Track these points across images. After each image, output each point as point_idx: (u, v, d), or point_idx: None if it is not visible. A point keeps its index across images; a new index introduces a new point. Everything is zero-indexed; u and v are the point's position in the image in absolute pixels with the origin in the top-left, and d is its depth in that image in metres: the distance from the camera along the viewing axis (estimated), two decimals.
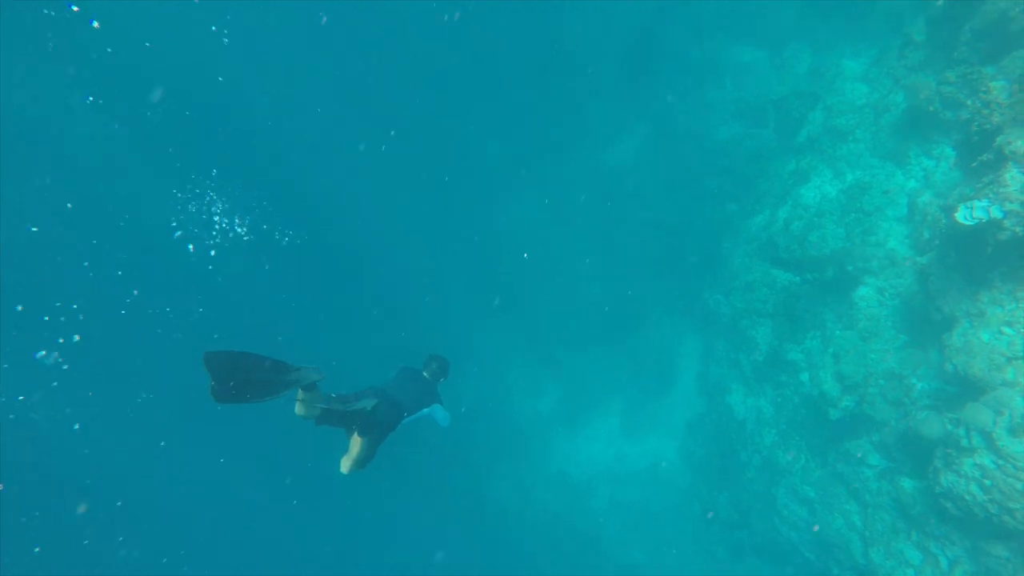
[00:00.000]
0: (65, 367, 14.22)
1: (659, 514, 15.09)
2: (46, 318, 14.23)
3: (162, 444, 16.17)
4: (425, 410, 5.07)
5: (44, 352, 14.06)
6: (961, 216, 7.18)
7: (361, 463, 4.45)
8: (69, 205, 14.32)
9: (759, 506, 12.03)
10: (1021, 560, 7.00)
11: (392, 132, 18.34)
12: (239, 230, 14.94)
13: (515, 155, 18.30)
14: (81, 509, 15.71)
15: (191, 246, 15.18)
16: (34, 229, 14.07)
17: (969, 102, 8.04)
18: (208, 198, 14.28)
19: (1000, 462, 6.95)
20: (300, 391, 4.08)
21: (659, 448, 15.68)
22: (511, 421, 17.24)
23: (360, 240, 18.91)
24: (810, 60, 14.24)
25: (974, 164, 7.76)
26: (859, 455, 9.67)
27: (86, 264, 14.89)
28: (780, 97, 13.33)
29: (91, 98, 14.31)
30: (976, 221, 7.11)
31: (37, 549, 15.31)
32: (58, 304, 14.22)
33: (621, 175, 16.84)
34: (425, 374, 5.47)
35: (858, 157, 11.23)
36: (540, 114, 17.80)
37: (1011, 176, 6.97)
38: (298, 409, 4.20)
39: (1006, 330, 7.30)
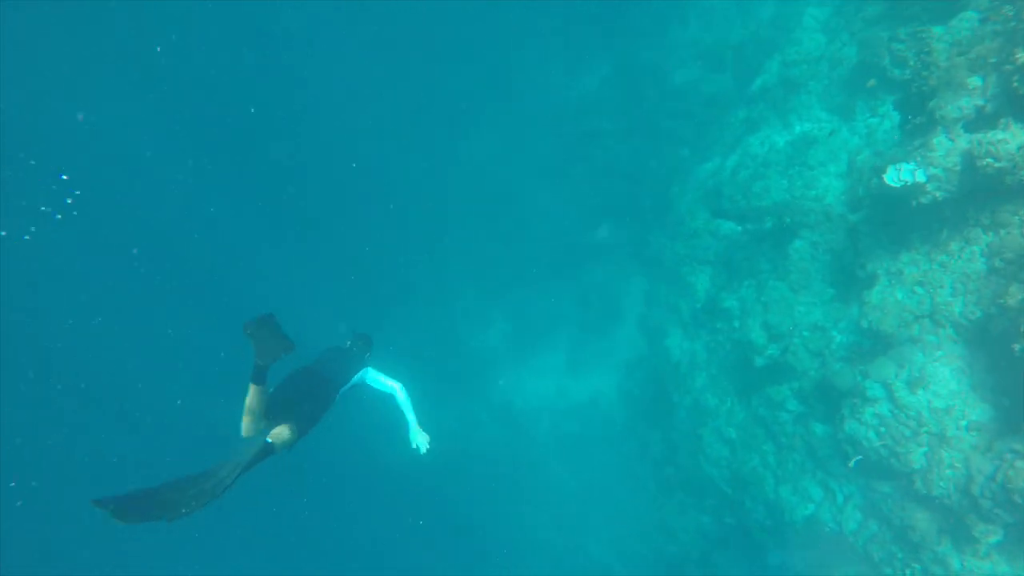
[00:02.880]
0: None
1: (596, 448, 15.77)
2: None
3: None
4: (355, 378, 5.10)
5: None
6: (889, 177, 7.35)
7: (293, 444, 4.28)
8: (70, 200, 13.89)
9: (687, 445, 12.67)
10: (899, 496, 7.64)
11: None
12: None
13: (472, 90, 17.82)
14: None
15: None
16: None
17: (912, 62, 8.07)
18: None
19: (895, 411, 7.45)
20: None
21: (600, 385, 16.21)
22: (458, 352, 17.50)
23: (314, 171, 18.63)
24: (775, 5, 13.98)
25: (909, 126, 7.89)
26: (779, 400, 10.20)
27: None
28: (739, 42, 13.17)
29: None
30: (902, 183, 7.29)
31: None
32: None
33: (579, 114, 16.59)
34: (350, 350, 5.42)
35: (808, 109, 11.27)
36: (500, 49, 17.25)
37: (938, 141, 7.12)
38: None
39: (918, 289, 7.65)
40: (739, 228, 11.44)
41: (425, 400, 6.03)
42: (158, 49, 14.93)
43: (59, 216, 13.74)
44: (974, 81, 7.21)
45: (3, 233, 13.47)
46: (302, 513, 18.82)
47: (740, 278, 11.27)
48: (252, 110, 16.68)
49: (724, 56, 14.01)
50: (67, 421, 15.82)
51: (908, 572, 7.54)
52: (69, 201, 13.72)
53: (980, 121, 6.98)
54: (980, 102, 6.97)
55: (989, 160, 6.51)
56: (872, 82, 9.97)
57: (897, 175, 7.28)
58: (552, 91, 17.56)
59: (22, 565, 15.54)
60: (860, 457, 7.91)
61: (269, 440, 3.96)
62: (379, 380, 5.36)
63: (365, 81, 18.42)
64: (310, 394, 4.49)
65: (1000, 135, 6.48)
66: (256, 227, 18.12)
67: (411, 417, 5.36)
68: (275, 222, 18.50)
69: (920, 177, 7.11)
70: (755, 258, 11.01)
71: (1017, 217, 6.85)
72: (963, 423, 7.00)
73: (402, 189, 18.82)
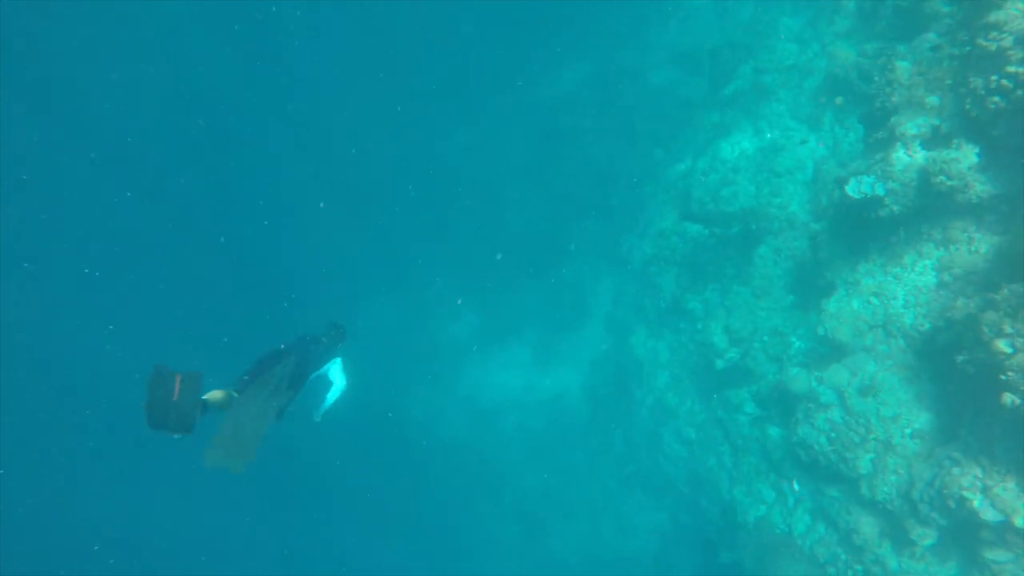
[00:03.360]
0: None
1: (560, 444, 15.88)
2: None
3: None
4: (324, 368, 5.24)
5: None
6: (851, 189, 7.52)
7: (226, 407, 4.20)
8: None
9: (647, 443, 12.86)
10: (846, 499, 7.86)
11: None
12: None
13: (450, 84, 17.75)
14: None
15: None
16: None
17: (877, 78, 8.26)
18: None
19: (847, 418, 7.65)
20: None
21: (566, 381, 16.32)
22: (426, 343, 17.45)
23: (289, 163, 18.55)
24: (751, 11, 14.12)
25: (871, 140, 8.08)
26: (737, 403, 10.40)
27: None
28: (716, 46, 13.29)
29: None
30: (863, 195, 7.47)
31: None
32: None
33: (556, 111, 16.62)
34: (323, 339, 5.49)
35: (779, 117, 11.47)
36: (479, 44, 17.18)
37: (897, 156, 7.30)
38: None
39: (873, 300, 7.85)
40: (706, 231, 11.60)
41: (392, 388, 6.20)
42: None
43: None
44: (932, 100, 7.41)
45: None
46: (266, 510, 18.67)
47: (705, 281, 11.45)
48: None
49: (701, 59, 14.15)
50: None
51: (850, 573, 7.76)
52: None
53: (936, 140, 7.17)
54: (936, 121, 7.17)
55: (942, 178, 6.71)
56: (840, 100, 10.19)
57: (858, 187, 7.45)
58: (530, 88, 17.54)
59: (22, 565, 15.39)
60: (798, 486, 8.23)
61: (204, 398, 3.93)
62: (338, 372, 5.44)
63: (343, 74, 18.34)
64: (282, 375, 4.50)
65: (953, 154, 6.68)
66: (234, 217, 17.89)
67: (330, 403, 5.45)
68: (250, 213, 18.28)
69: (879, 190, 7.29)
70: (720, 262, 11.19)
71: (966, 234, 7.08)
72: (908, 431, 7.23)
73: (377, 181, 18.70)
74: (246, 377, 4.31)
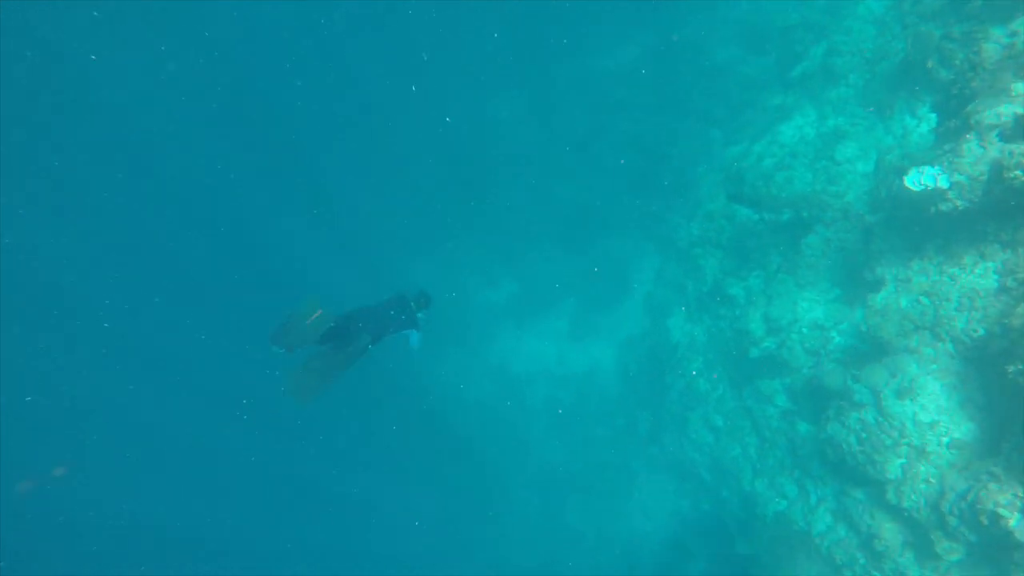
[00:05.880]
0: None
1: (586, 418, 15.83)
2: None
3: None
4: (404, 332, 6.53)
5: None
6: (909, 180, 7.05)
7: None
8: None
9: (673, 426, 12.67)
10: (871, 503, 7.55)
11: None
12: None
13: (506, 52, 17.44)
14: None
15: None
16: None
17: (958, 62, 7.66)
18: None
19: (880, 419, 7.31)
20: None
21: (599, 357, 16.18)
22: (462, 307, 17.54)
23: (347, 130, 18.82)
24: None
25: (942, 129, 7.54)
26: (769, 394, 10.09)
27: None
28: (788, 25, 12.62)
29: None
30: (923, 187, 7.00)
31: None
32: None
33: (613, 83, 16.14)
34: (412, 304, 6.68)
35: (845, 103, 10.83)
36: (538, 11, 16.74)
37: (968, 147, 6.79)
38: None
39: (923, 299, 7.41)
40: (756, 216, 11.15)
41: (424, 350, 6.88)
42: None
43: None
44: (1019, 87, 6.84)
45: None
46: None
47: (749, 267, 11.06)
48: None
49: (770, 37, 13.45)
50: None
51: None
52: None
53: (1018, 130, 6.61)
54: (1021, 110, 6.60)
55: (1018, 172, 6.19)
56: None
57: (919, 178, 6.98)
58: (590, 58, 17.07)
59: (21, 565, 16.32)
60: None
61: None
62: (419, 340, 6.74)
63: (394, 38, 18.27)
64: (365, 330, 5.97)
65: None
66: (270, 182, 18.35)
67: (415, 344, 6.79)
68: (296, 181, 18.71)
69: (943, 183, 6.81)
70: (767, 248, 10.77)
71: None
72: (945, 439, 6.85)
73: (426, 145, 18.69)
74: (343, 318, 5.84)
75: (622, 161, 15.70)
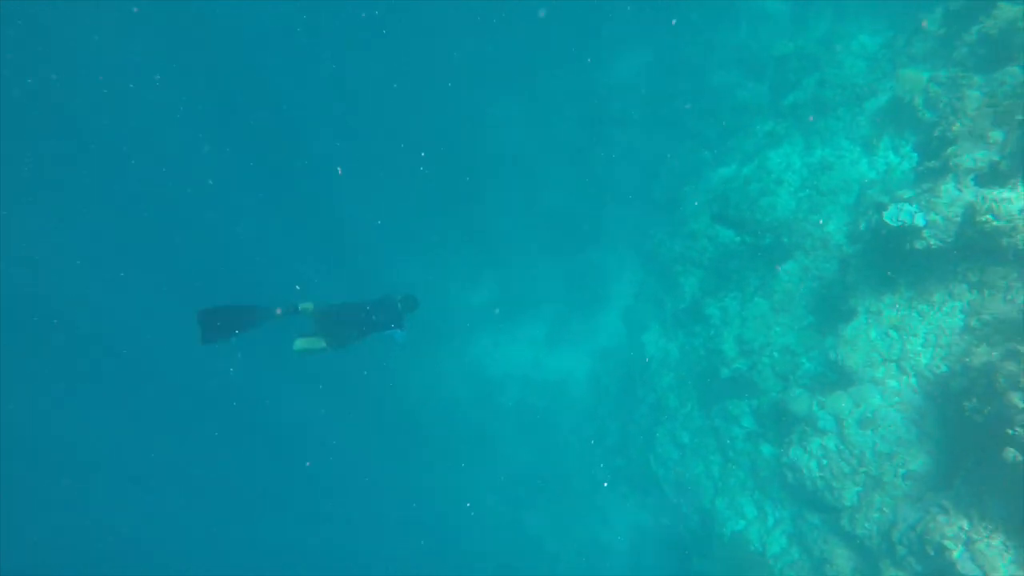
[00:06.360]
0: None
1: (556, 425, 15.88)
2: None
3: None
4: (387, 331, 6.73)
5: None
6: (888, 215, 7.22)
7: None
8: None
9: (641, 440, 12.76)
10: (826, 528, 7.69)
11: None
12: None
13: (504, 59, 17.54)
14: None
15: None
16: None
17: (941, 105, 7.88)
18: None
19: (841, 447, 7.46)
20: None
21: (574, 365, 16.26)
22: (441, 305, 17.52)
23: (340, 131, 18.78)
24: (829, 25, 13.60)
25: (922, 168, 7.74)
26: (736, 414, 10.22)
27: None
28: (783, 55, 12.81)
29: None
30: (900, 223, 7.17)
31: None
32: None
33: (610, 97, 16.30)
34: (399, 305, 6.89)
35: (832, 135, 11.05)
36: (538, 21, 16.82)
37: (946, 188, 6.98)
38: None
39: (892, 333, 7.59)
40: (737, 238, 11.32)
41: (408, 347, 7.10)
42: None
43: None
44: (996, 135, 7.05)
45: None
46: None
47: (727, 288, 11.21)
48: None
49: (765, 65, 13.70)
50: None
51: None
52: None
53: (992, 176, 6.81)
54: (996, 157, 6.81)
55: (988, 216, 6.39)
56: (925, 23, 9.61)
57: (897, 214, 7.15)
58: (587, 69, 17.22)
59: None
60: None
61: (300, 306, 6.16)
62: (403, 337, 6.90)
63: (393, 41, 18.30)
64: (351, 324, 6.37)
65: (1006, 193, 6.34)
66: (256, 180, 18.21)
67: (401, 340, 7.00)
68: (281, 180, 18.59)
69: (919, 221, 6.98)
70: (746, 271, 10.93)
71: (1004, 281, 6.75)
72: (901, 471, 7.01)
73: (418, 147, 18.68)
74: (330, 308, 6.24)
75: (613, 173, 15.88)
